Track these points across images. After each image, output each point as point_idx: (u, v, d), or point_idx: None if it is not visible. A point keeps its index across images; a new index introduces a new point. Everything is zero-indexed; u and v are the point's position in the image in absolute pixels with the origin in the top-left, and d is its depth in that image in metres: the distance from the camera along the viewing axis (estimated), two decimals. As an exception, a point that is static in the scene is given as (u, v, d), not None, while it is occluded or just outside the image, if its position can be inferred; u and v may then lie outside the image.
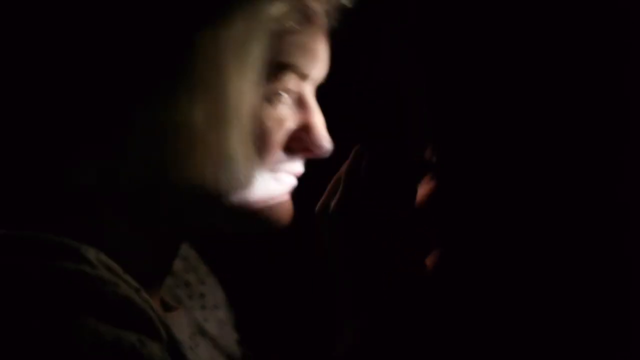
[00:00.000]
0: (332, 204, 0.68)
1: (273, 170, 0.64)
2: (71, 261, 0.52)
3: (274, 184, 0.64)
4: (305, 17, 0.62)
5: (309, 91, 0.66)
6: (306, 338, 1.02)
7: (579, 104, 0.84)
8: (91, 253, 0.53)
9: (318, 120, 0.66)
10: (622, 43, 0.85)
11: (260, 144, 0.61)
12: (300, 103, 0.65)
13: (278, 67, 0.60)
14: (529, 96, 0.85)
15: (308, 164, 0.69)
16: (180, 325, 0.66)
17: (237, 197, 0.61)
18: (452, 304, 0.81)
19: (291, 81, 0.62)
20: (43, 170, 0.59)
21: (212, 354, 0.70)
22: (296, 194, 0.69)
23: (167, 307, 0.70)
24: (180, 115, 0.55)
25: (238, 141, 0.58)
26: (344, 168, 0.70)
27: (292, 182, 0.67)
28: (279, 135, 0.62)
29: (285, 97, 0.63)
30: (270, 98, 0.61)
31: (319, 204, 0.71)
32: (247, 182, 0.60)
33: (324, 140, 0.66)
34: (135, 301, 0.52)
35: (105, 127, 0.56)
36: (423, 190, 0.76)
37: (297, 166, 0.67)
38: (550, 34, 0.87)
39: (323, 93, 0.71)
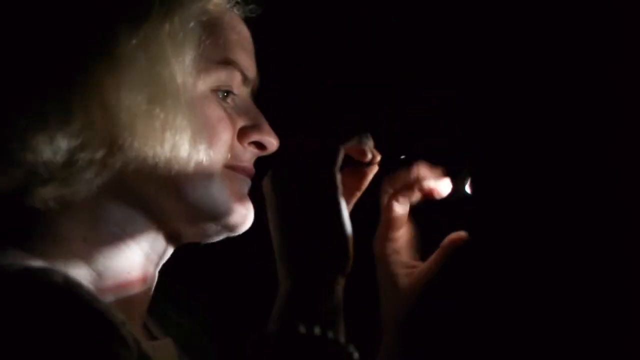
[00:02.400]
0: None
1: (227, 166, 0.68)
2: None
3: (230, 182, 0.68)
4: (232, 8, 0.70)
5: (248, 94, 0.72)
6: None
7: (575, 107, 0.85)
8: (58, 277, 0.55)
9: (262, 118, 0.71)
10: (617, 44, 0.86)
11: (210, 133, 0.65)
12: (244, 106, 0.70)
13: (221, 62, 0.67)
14: (527, 100, 0.86)
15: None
16: (165, 353, 0.68)
17: (196, 190, 0.65)
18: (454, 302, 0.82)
19: (234, 79, 0.68)
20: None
21: None
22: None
23: (151, 336, 0.71)
24: (126, 100, 0.59)
25: (182, 125, 0.62)
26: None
27: (247, 182, 0.71)
28: (227, 127, 0.67)
29: (232, 95, 0.69)
30: (217, 91, 0.67)
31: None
32: (199, 171, 0.64)
33: (271, 135, 0.70)
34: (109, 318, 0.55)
35: (60, 119, 0.58)
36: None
37: (250, 165, 0.71)
38: (547, 37, 0.87)
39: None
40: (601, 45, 0.88)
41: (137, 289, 0.67)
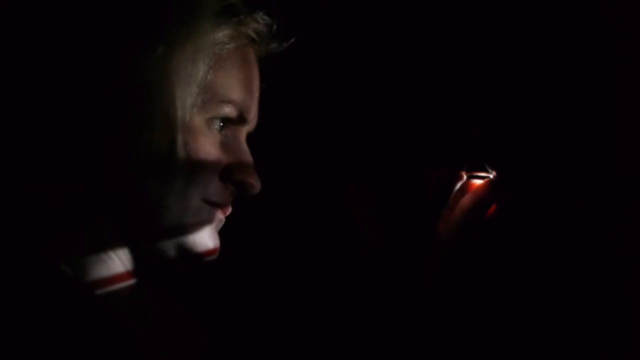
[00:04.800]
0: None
1: (205, 200, 0.68)
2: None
3: (204, 217, 0.68)
4: (247, 44, 0.70)
5: (243, 134, 0.72)
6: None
7: (577, 108, 0.85)
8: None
9: (249, 160, 0.71)
10: (619, 45, 0.86)
11: (196, 166, 0.66)
12: (236, 143, 0.71)
13: (224, 99, 0.67)
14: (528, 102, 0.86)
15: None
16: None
17: (169, 218, 0.65)
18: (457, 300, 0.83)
19: (233, 116, 0.69)
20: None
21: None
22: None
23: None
24: (127, 111, 0.61)
25: (171, 148, 0.63)
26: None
27: (221, 220, 0.72)
28: (214, 163, 0.67)
29: (226, 132, 0.69)
30: (214, 120, 0.67)
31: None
32: (176, 200, 0.65)
33: (255, 179, 0.71)
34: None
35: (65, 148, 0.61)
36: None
37: (227, 203, 0.71)
38: (550, 39, 0.87)
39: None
40: (603, 45, 0.88)
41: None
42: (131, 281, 0.69)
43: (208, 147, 0.66)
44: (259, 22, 0.71)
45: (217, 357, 0.77)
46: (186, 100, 0.63)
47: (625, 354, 0.79)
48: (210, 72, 0.65)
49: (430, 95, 0.97)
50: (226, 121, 0.69)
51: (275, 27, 0.73)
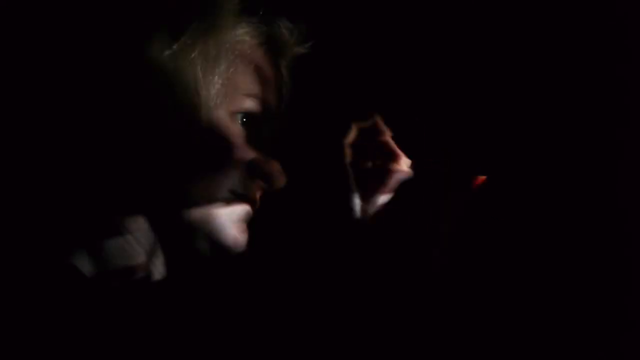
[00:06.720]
0: None
1: (232, 192, 0.70)
2: None
3: (231, 207, 0.70)
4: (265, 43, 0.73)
5: (267, 130, 0.74)
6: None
7: (578, 107, 0.85)
8: None
9: (274, 155, 0.73)
10: (621, 44, 0.86)
11: (220, 155, 0.68)
12: (259, 138, 0.72)
13: (247, 93, 0.70)
14: (529, 98, 0.86)
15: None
16: None
17: (197, 208, 0.67)
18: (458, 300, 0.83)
19: (256, 110, 0.71)
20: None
21: None
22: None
23: None
24: (154, 100, 0.64)
25: (202, 145, 0.66)
26: None
27: (248, 211, 0.73)
28: (239, 153, 0.69)
29: (252, 123, 0.71)
30: (237, 114, 0.70)
31: None
32: (203, 191, 0.67)
33: (279, 174, 0.72)
34: None
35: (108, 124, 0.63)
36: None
37: (254, 197, 0.73)
38: (551, 36, 0.87)
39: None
40: (603, 45, 0.88)
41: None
42: (149, 270, 0.70)
43: (232, 139, 0.69)
44: (280, 24, 0.74)
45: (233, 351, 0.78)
46: (209, 91, 0.65)
47: (625, 353, 0.79)
48: (233, 66, 0.68)
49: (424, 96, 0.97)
50: (249, 116, 0.71)
51: (296, 29, 0.75)
